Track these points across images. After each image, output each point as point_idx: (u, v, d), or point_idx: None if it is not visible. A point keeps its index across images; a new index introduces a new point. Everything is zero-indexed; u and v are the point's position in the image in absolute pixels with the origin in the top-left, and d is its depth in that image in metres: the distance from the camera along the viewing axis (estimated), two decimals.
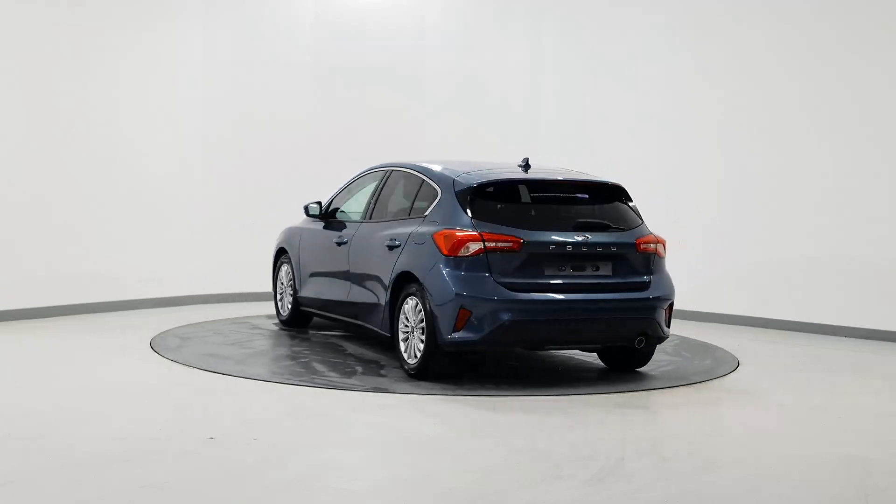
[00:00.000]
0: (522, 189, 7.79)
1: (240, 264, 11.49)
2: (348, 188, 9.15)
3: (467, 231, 7.24)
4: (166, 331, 9.27)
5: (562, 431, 6.38)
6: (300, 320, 9.63)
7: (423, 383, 7.36)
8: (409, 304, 7.51)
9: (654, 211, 11.20)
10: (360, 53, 12.00)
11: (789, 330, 10.40)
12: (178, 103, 11.09)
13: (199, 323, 9.87)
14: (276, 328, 9.75)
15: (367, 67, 12.03)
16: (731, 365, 8.51)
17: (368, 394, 7.05)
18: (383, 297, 7.87)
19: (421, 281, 7.36)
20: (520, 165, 8.04)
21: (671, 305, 7.67)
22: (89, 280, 10.29)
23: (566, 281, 7.34)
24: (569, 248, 7.30)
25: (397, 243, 7.75)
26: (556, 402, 7.12)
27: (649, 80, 11.34)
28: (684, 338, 9.78)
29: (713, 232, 10.94)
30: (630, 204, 7.87)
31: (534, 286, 7.22)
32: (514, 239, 7.19)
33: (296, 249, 9.56)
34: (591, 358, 8.65)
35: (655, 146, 11.33)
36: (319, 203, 9.14)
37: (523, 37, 12.25)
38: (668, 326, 7.72)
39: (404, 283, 7.61)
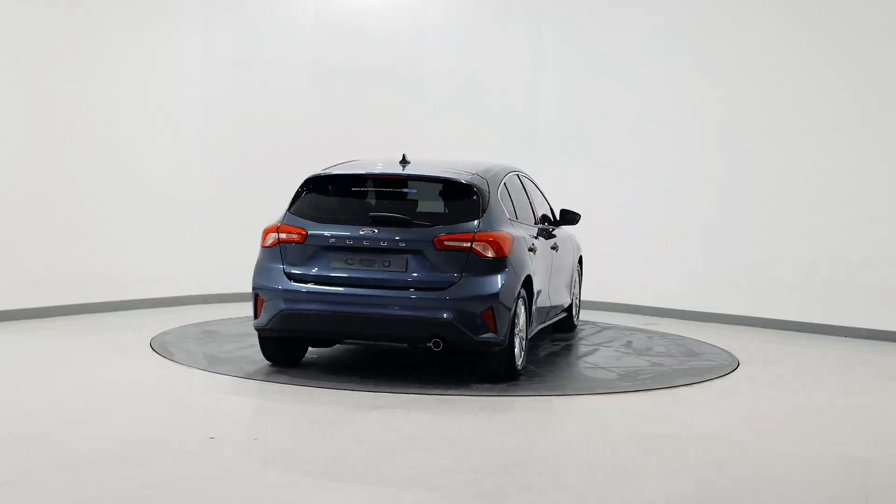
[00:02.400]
0: (348, 184, 7.81)
1: (240, 264, 11.40)
2: None
3: (273, 223, 7.58)
4: (166, 331, 9.26)
5: (562, 431, 6.38)
6: None
7: (421, 384, 7.35)
8: None
9: (654, 211, 11.26)
10: (360, 53, 11.99)
11: (789, 330, 10.40)
12: (178, 103, 11.09)
13: (200, 323, 9.86)
14: None
15: (367, 67, 12.02)
16: (731, 365, 8.51)
17: (368, 394, 7.05)
18: None
19: None
20: (399, 162, 7.96)
21: (491, 309, 7.10)
22: (89, 280, 10.29)
23: (351, 275, 7.27)
24: (349, 241, 7.28)
25: None
26: (556, 402, 7.13)
27: (649, 80, 11.34)
28: (684, 338, 9.79)
29: (713, 232, 10.94)
30: (471, 200, 7.44)
31: (315, 278, 7.32)
32: (299, 231, 7.41)
33: None
34: (594, 361, 8.66)
35: (655, 146, 11.33)
36: None
37: (523, 37, 12.25)
38: (494, 332, 7.12)
39: None
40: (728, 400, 7.39)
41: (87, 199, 10.27)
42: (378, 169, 7.92)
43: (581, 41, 11.91)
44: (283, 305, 7.34)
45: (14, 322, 9.55)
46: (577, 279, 9.99)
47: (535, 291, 7.86)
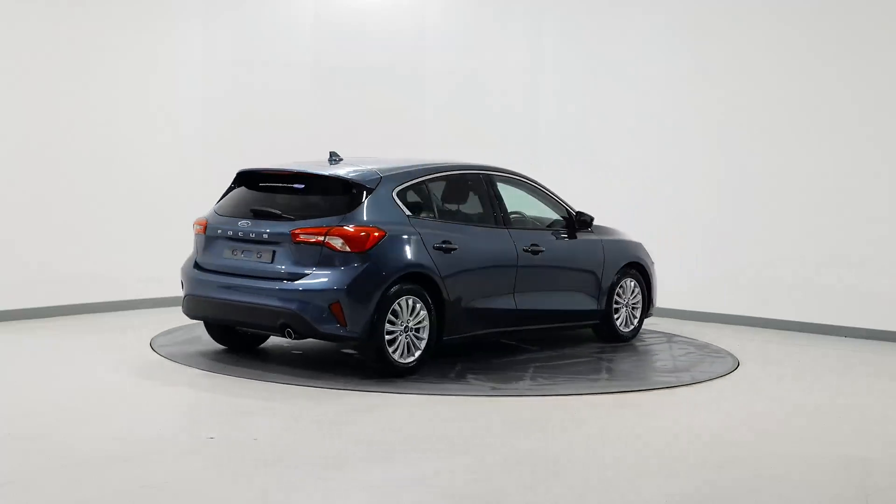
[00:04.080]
0: (255, 180, 8.20)
1: None
2: None
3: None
4: (166, 331, 9.27)
5: (560, 431, 6.38)
6: None
7: (421, 384, 7.36)
8: None
9: (654, 211, 11.26)
10: (360, 53, 11.99)
11: (789, 330, 10.40)
12: (178, 103, 11.08)
13: (200, 323, 9.84)
14: None
15: (367, 67, 12.02)
16: (731, 365, 8.51)
17: (368, 394, 7.05)
18: None
19: None
20: (328, 160, 8.30)
21: (338, 302, 7.23)
22: (89, 280, 10.29)
23: (232, 264, 7.76)
24: (230, 233, 7.80)
25: None
26: (555, 402, 7.12)
27: (649, 80, 11.34)
28: (684, 338, 9.78)
29: (713, 232, 10.94)
30: (348, 196, 7.62)
31: (208, 266, 7.93)
32: (203, 223, 8.08)
33: None
34: (603, 352, 8.66)
35: (655, 146, 11.33)
36: None
37: (523, 37, 12.25)
38: (344, 325, 7.25)
39: None
40: (728, 400, 7.39)
41: (87, 199, 10.27)
42: (274, 166, 8.30)
43: (581, 41, 11.91)
44: (185, 291, 8.05)
45: (14, 322, 9.55)
46: (633, 287, 9.46)
47: (449, 291, 7.77)
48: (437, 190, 8.32)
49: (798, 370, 8.57)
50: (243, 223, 7.75)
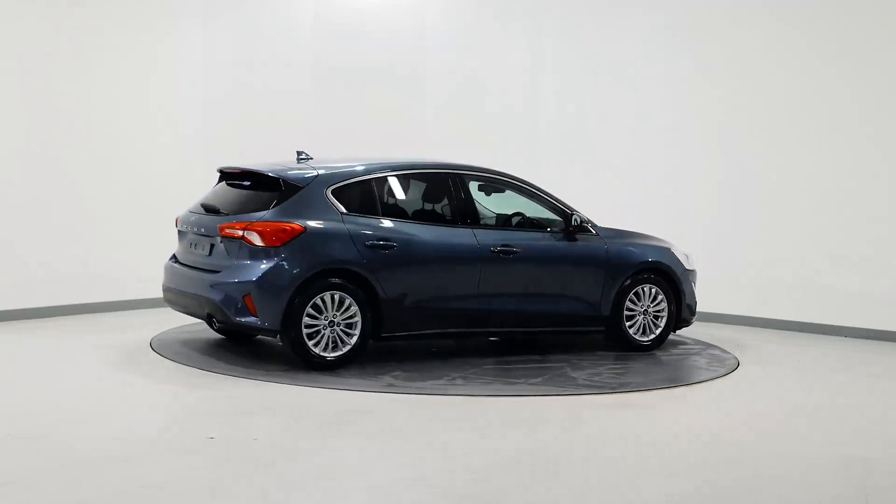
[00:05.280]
0: (223, 177, 8.64)
1: None
2: None
3: None
4: (166, 331, 9.27)
5: (560, 431, 6.38)
6: None
7: (421, 384, 7.35)
8: None
9: (654, 211, 11.25)
10: (360, 53, 11.99)
11: (789, 330, 10.40)
12: (178, 103, 11.08)
13: (199, 323, 9.85)
14: None
15: (367, 67, 12.02)
16: (731, 365, 8.51)
17: (368, 394, 7.05)
18: None
19: None
20: (297, 159, 8.63)
21: (250, 295, 7.52)
22: (89, 280, 10.29)
23: (190, 257, 8.26)
24: (184, 227, 8.38)
25: None
26: (555, 401, 7.12)
27: (649, 80, 11.33)
28: (684, 337, 9.78)
29: (713, 232, 10.94)
30: (277, 193, 7.88)
31: (179, 259, 8.46)
32: (176, 219, 8.61)
33: None
34: (592, 359, 8.65)
35: (655, 146, 11.33)
36: None
37: (523, 37, 12.24)
38: (256, 316, 7.53)
39: None
40: (728, 400, 7.39)
41: (87, 199, 10.27)
42: (238, 164, 8.56)
43: (581, 41, 11.90)
44: (162, 282, 8.58)
45: (14, 322, 9.55)
46: (653, 293, 8.93)
47: (385, 288, 7.80)
48: (388, 189, 8.34)
49: (798, 370, 8.57)
50: (194, 218, 8.25)
